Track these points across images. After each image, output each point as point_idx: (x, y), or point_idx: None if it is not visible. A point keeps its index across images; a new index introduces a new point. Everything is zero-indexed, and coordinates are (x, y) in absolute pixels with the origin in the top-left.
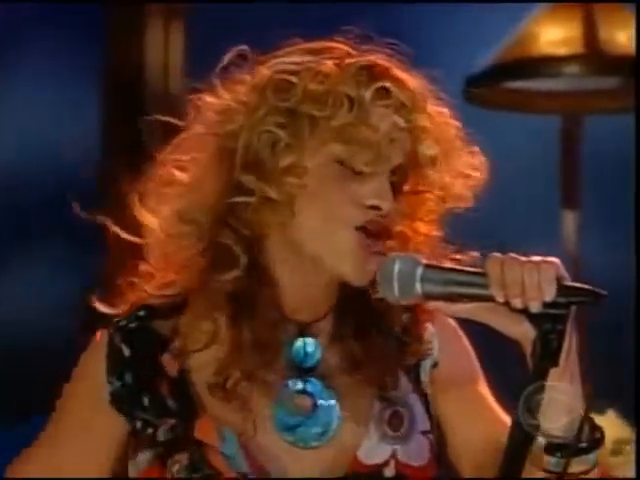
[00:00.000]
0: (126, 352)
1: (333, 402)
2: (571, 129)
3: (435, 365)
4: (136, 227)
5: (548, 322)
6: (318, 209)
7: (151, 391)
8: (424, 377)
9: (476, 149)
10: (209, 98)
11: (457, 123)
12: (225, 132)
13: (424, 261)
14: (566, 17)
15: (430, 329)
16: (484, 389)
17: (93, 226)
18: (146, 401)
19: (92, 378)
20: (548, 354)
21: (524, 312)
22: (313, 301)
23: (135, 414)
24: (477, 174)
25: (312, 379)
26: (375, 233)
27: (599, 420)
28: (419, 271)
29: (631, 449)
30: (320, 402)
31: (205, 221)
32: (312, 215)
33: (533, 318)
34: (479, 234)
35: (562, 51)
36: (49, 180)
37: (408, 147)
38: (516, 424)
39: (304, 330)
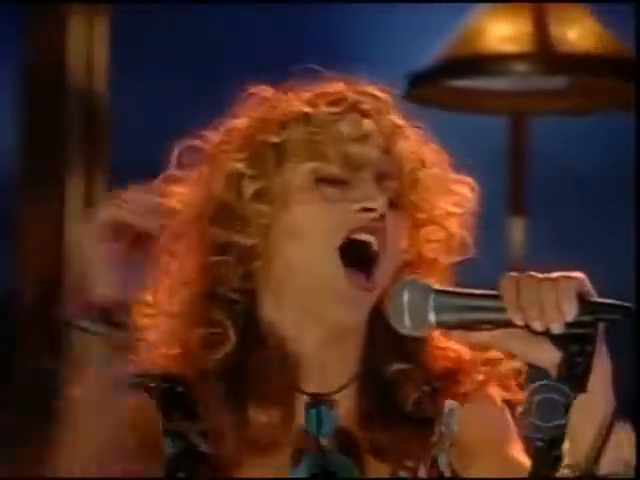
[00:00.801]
0: (177, 416)
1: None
2: (519, 131)
3: (452, 444)
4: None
5: (575, 343)
6: (303, 237)
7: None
8: (442, 460)
9: (465, 178)
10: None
11: (437, 146)
12: (190, 202)
13: (435, 286)
14: (515, 13)
15: (449, 405)
16: (516, 451)
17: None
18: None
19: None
20: (574, 379)
21: (548, 335)
22: (321, 364)
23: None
24: (468, 204)
25: (328, 452)
26: (364, 260)
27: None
28: (431, 299)
29: None
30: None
31: (193, 302)
32: (296, 246)
33: (558, 340)
34: None
35: (511, 48)
36: None
37: (386, 147)
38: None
39: (319, 402)
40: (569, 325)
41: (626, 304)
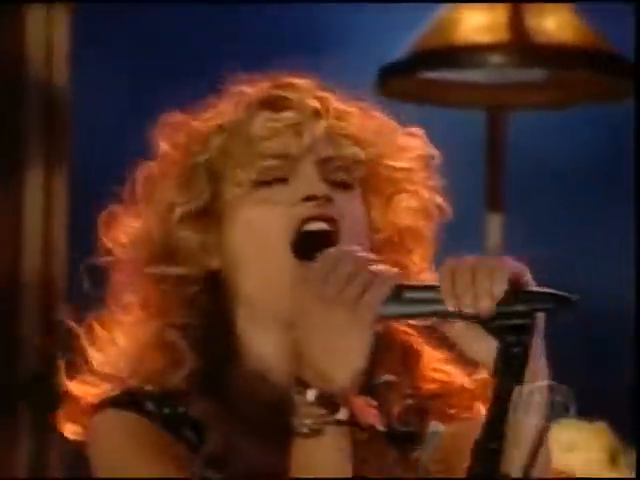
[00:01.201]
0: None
1: None
2: (495, 124)
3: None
4: None
5: (512, 334)
6: (254, 246)
7: None
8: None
9: (413, 130)
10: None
11: (376, 111)
12: (133, 237)
13: None
14: (490, 3)
15: (434, 426)
16: None
17: None
18: None
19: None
20: (511, 370)
21: (485, 326)
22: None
23: None
24: (424, 155)
25: None
26: (323, 249)
27: (589, 429)
28: None
29: (626, 462)
30: None
31: (158, 334)
32: (251, 256)
33: (496, 332)
34: None
35: (486, 39)
36: None
37: (318, 132)
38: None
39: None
40: (505, 315)
41: (563, 294)
